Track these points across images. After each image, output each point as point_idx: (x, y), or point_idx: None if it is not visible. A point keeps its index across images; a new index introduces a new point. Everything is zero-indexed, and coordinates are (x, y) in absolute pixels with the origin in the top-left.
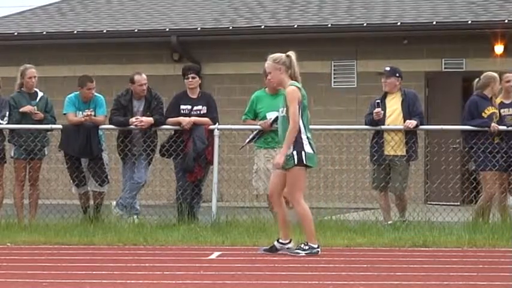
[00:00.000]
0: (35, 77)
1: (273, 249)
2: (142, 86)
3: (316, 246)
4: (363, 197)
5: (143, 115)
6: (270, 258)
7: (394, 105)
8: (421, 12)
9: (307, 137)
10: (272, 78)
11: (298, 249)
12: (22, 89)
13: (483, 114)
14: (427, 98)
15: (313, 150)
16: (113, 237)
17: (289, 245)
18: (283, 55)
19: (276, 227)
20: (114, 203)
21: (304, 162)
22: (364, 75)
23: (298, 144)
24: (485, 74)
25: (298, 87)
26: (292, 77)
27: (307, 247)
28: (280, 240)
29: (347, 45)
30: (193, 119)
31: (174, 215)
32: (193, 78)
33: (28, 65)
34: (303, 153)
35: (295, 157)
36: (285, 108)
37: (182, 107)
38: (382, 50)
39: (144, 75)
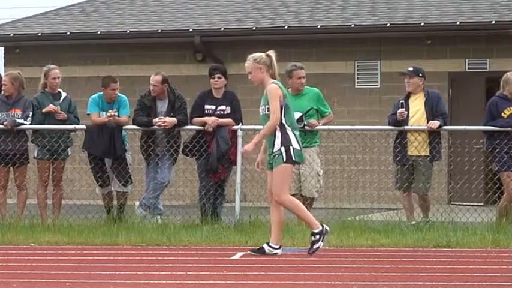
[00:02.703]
0: (58, 77)
1: (260, 251)
2: (151, 86)
3: (320, 228)
4: (387, 198)
5: (167, 115)
6: (293, 258)
7: (417, 105)
8: (444, 13)
9: (294, 134)
10: (253, 77)
11: (312, 245)
12: (46, 89)
13: (503, 115)
14: (451, 99)
15: (299, 146)
16: (136, 237)
17: (278, 251)
18: (264, 54)
19: (300, 227)
20: (137, 203)
21: (293, 158)
22: (387, 75)
23: (285, 140)
24: (505, 74)
25: (279, 86)
26: (273, 76)
27: (317, 236)
28: (270, 244)
29: (370, 46)
30: (216, 119)
31: (198, 216)
32: (219, 78)
33: (52, 66)
34: (291, 149)
35: (284, 154)
36: (266, 107)
37: (206, 106)
38: (406, 50)
39: (158, 77)
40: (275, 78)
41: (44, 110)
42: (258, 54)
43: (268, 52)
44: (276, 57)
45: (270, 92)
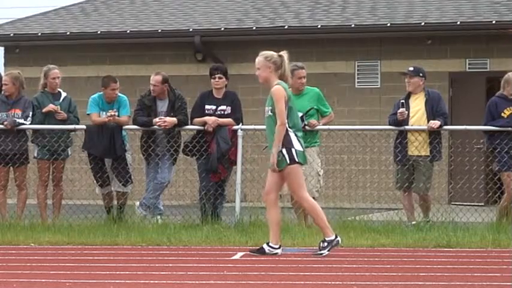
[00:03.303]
0: (58, 77)
1: (260, 252)
2: (152, 85)
3: (333, 237)
4: (387, 198)
5: (167, 115)
6: (294, 258)
7: (417, 105)
8: (445, 12)
9: (296, 135)
10: (260, 74)
11: (320, 250)
12: (46, 89)
13: (502, 115)
14: (451, 98)
15: (302, 148)
16: (137, 237)
17: (278, 251)
18: (276, 54)
19: (300, 227)
20: (137, 203)
21: (296, 160)
22: (387, 75)
23: (286, 141)
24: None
25: (284, 87)
26: (282, 77)
27: (326, 244)
28: (270, 244)
29: (371, 46)
30: (216, 119)
31: (198, 216)
32: (219, 78)
33: (51, 66)
34: (293, 150)
35: (286, 156)
36: (270, 108)
37: (207, 107)
38: (406, 50)
39: (158, 77)
40: (284, 80)
41: (44, 110)
42: (270, 53)
43: (281, 52)
44: (288, 58)
45: (273, 94)
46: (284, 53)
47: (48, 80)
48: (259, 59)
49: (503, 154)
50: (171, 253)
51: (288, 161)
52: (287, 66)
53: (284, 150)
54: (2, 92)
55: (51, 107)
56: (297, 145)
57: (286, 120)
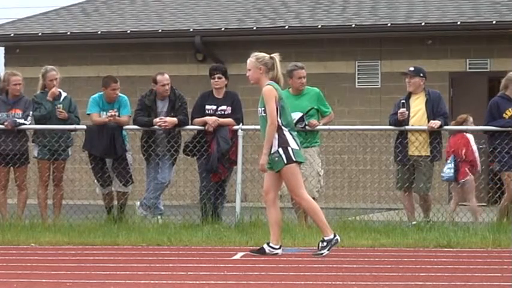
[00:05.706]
0: (56, 79)
1: (261, 252)
2: (165, 86)
3: (332, 236)
4: (387, 198)
5: (167, 115)
6: (294, 258)
7: (418, 105)
8: (445, 12)
9: (291, 134)
10: (250, 75)
11: (320, 250)
12: (45, 89)
13: (504, 116)
14: (452, 99)
15: (298, 146)
16: (137, 237)
17: (279, 251)
18: (267, 56)
19: (300, 227)
20: (138, 203)
21: (294, 159)
22: (388, 75)
23: (282, 141)
24: (507, 74)
25: (275, 87)
26: (275, 79)
27: (325, 243)
28: (270, 244)
29: (371, 46)
30: (217, 119)
31: (198, 216)
32: (219, 78)
33: (49, 67)
34: (289, 149)
35: (283, 156)
36: (263, 109)
37: (207, 107)
38: (406, 50)
39: (166, 75)
40: (277, 81)
41: (48, 97)
42: (261, 54)
43: (273, 55)
44: (280, 59)
45: (264, 94)
46: (276, 55)
47: (46, 82)
48: (250, 60)
49: (503, 154)
50: (171, 253)
51: (285, 161)
52: (279, 69)
53: (281, 150)
54: (6, 92)
55: (54, 89)
56: (293, 144)
57: (277, 120)
